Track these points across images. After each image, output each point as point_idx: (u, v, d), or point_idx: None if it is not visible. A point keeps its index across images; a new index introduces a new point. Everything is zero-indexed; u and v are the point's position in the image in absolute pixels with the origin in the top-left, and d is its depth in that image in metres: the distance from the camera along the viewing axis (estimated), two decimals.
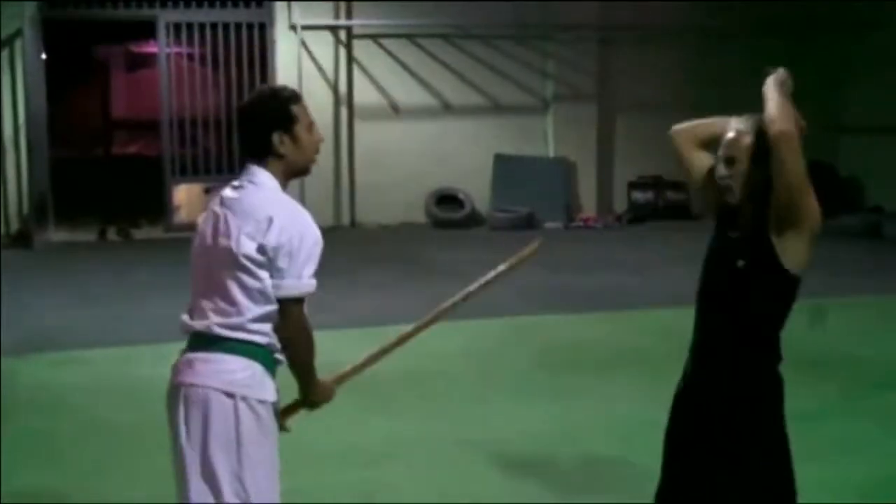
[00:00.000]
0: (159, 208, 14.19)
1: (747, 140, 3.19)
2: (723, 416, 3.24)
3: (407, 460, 5.46)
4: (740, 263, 3.21)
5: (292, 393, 3.27)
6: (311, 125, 3.20)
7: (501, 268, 3.89)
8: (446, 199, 14.67)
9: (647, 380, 6.57)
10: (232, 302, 3.06)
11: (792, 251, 3.16)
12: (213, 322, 3.07)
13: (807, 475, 5.10)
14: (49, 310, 9.17)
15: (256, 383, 3.07)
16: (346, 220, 14.53)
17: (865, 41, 14.84)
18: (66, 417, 6.21)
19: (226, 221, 3.09)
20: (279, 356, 3.15)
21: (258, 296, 3.05)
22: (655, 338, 7.76)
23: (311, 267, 3.08)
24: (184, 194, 14.45)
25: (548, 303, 9.35)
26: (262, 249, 3.02)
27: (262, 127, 3.14)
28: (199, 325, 3.10)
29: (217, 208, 3.15)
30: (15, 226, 13.49)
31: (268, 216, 3.03)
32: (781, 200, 3.10)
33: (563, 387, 6.76)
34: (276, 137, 3.12)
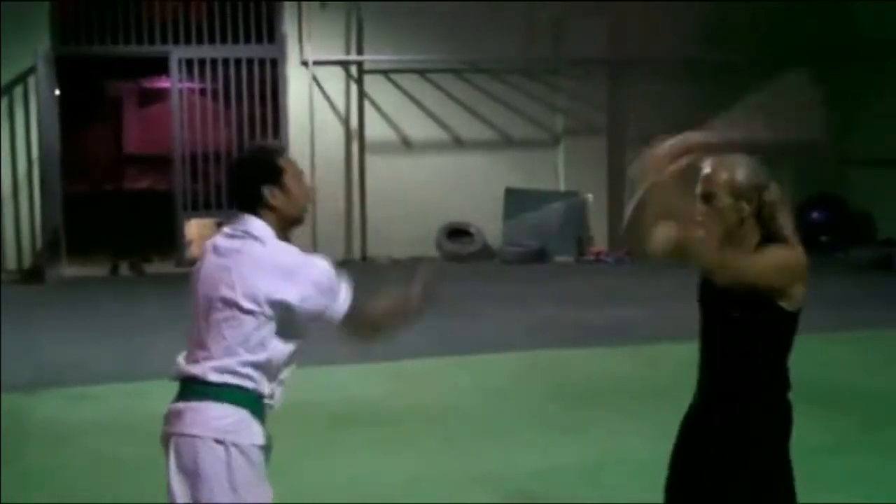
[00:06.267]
0: (171, 243, 14.22)
1: (724, 175, 3.20)
2: (733, 441, 3.25)
3: (424, 497, 5.40)
4: (736, 314, 3.22)
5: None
6: (299, 176, 3.29)
7: None
8: (457, 233, 14.68)
9: (662, 414, 6.48)
10: (228, 348, 3.11)
11: (787, 297, 3.18)
12: (207, 367, 3.13)
13: None
14: (60, 345, 9.17)
15: (244, 429, 3.11)
16: (356, 254, 14.54)
17: (877, 73, 14.84)
18: (75, 453, 6.19)
19: (228, 271, 3.14)
20: (269, 402, 3.19)
21: (256, 346, 3.12)
22: (669, 372, 7.71)
23: (342, 283, 3.21)
24: (195, 229, 14.46)
25: (561, 337, 9.31)
26: (279, 304, 3.10)
27: (252, 181, 3.23)
28: (193, 369, 3.15)
29: (214, 256, 3.21)
30: (28, 261, 13.54)
31: (283, 272, 3.11)
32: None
33: (579, 422, 6.73)
34: (266, 190, 3.20)
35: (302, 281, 3.12)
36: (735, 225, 3.22)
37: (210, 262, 3.21)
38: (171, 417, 3.16)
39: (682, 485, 3.40)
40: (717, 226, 3.22)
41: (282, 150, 3.36)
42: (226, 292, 3.12)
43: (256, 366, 3.12)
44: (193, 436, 3.09)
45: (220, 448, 3.07)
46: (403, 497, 5.40)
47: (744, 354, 3.25)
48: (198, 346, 3.16)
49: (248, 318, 3.10)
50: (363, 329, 3.34)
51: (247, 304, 3.09)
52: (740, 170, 3.20)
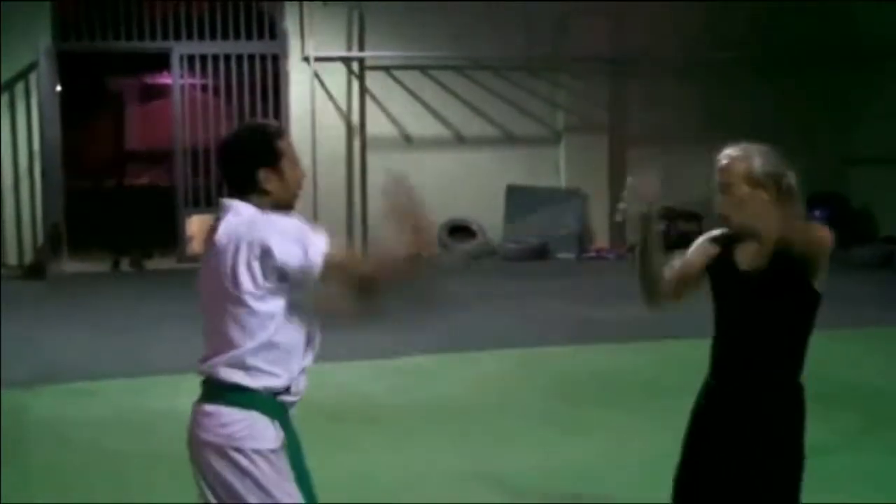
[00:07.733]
0: (172, 239, 14.22)
1: (741, 165, 3.24)
2: (754, 429, 3.24)
3: (425, 495, 5.39)
4: (767, 296, 3.22)
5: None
6: (295, 160, 3.18)
7: None
8: (459, 229, 14.67)
9: (665, 411, 6.49)
10: (228, 339, 3.04)
11: (817, 270, 3.21)
12: (213, 362, 3.06)
13: None
14: (60, 341, 9.16)
15: (254, 434, 3.02)
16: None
17: (877, 73, 14.83)
18: (76, 450, 6.17)
19: (215, 257, 3.06)
20: (287, 398, 3.08)
21: (255, 327, 3.01)
22: (673, 369, 7.71)
23: (319, 237, 3.03)
24: (197, 224, 14.44)
25: (563, 334, 9.31)
26: (261, 248, 2.97)
27: (247, 163, 3.10)
28: (203, 367, 3.10)
29: (211, 250, 3.11)
30: (29, 256, 13.54)
31: (249, 224, 3.01)
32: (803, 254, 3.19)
33: (582, 419, 6.72)
34: (261, 174, 3.09)
35: (268, 228, 2.99)
36: (756, 213, 3.23)
37: (206, 256, 3.14)
38: (193, 417, 3.10)
39: (701, 475, 3.36)
40: (738, 215, 3.26)
41: (281, 131, 3.22)
42: (218, 280, 3.04)
43: (263, 352, 3.01)
44: (203, 442, 3.04)
45: (230, 455, 3.00)
46: (404, 495, 5.39)
47: (775, 337, 3.24)
48: (207, 344, 3.11)
49: (242, 303, 3.00)
50: (354, 281, 3.11)
51: (239, 287, 2.99)
52: (756, 159, 3.24)
